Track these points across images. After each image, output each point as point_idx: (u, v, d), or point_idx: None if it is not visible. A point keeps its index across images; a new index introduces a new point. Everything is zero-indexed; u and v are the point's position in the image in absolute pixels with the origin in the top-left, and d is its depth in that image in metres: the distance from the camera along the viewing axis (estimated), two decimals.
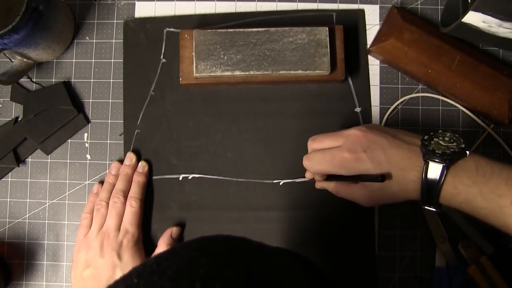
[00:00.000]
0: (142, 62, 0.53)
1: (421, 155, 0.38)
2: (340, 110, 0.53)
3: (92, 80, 0.54)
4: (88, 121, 0.54)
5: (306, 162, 0.44)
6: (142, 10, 0.54)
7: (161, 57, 0.53)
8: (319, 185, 0.48)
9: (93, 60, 0.54)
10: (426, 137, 0.39)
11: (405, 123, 0.53)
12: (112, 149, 0.53)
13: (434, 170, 0.37)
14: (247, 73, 0.48)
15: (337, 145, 0.41)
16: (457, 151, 0.37)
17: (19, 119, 0.54)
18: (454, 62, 0.49)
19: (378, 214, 0.52)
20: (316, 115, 0.52)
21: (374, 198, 0.41)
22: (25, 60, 0.50)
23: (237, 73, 0.48)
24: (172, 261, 0.24)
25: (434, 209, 0.38)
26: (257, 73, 0.48)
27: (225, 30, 0.48)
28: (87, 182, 0.53)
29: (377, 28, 0.53)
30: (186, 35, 0.50)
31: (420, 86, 0.53)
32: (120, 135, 0.53)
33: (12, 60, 0.51)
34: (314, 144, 0.44)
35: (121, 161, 0.52)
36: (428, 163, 0.37)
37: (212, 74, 0.48)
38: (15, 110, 0.54)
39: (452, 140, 0.39)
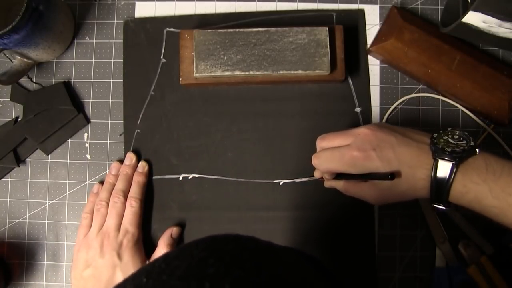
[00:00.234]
0: (142, 62, 0.53)
1: (431, 153, 0.38)
2: (340, 110, 0.53)
3: (92, 80, 0.54)
4: (88, 121, 0.54)
5: (315, 160, 0.44)
6: (142, 10, 0.54)
7: (161, 57, 0.53)
8: (328, 183, 0.48)
9: (93, 60, 0.54)
10: (435, 135, 0.39)
11: (405, 123, 0.53)
12: (112, 149, 0.53)
13: (444, 168, 0.37)
14: (247, 73, 0.48)
15: (346, 143, 0.41)
16: (467, 149, 0.37)
17: (19, 119, 0.54)
18: (454, 62, 0.49)
19: (378, 214, 0.52)
20: (316, 115, 0.52)
21: (384, 197, 0.41)
22: (25, 60, 0.50)
23: (237, 73, 0.48)
24: (181, 261, 0.24)
25: (443, 207, 0.38)
26: (257, 73, 0.48)
27: (225, 30, 0.48)
28: (87, 182, 0.53)
29: (377, 28, 0.53)
30: (186, 35, 0.50)
31: (420, 86, 0.53)
32: (120, 135, 0.53)
33: (12, 60, 0.51)
34: (323, 142, 0.44)
35: (121, 161, 0.52)
36: (437, 161, 0.37)
37: (212, 74, 0.48)
38: (15, 110, 0.54)
39: (461, 138, 0.39)
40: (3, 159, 0.52)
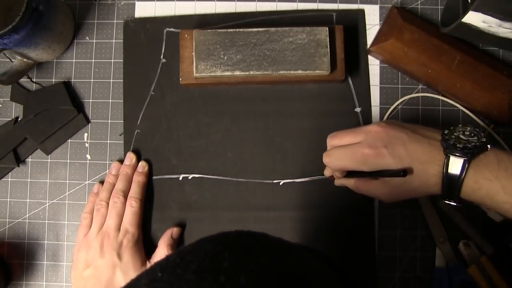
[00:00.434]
0: (142, 62, 0.53)
1: (442, 149, 0.38)
2: (340, 110, 0.53)
3: (92, 80, 0.54)
4: (88, 121, 0.54)
5: (326, 158, 0.43)
6: (142, 10, 0.54)
7: (161, 57, 0.53)
8: (339, 182, 0.47)
9: (93, 60, 0.54)
10: (446, 132, 0.39)
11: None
12: (112, 149, 0.53)
13: (455, 164, 0.37)
14: (247, 73, 0.48)
15: (357, 141, 0.41)
16: (478, 145, 0.37)
17: (19, 119, 0.54)
18: (454, 62, 0.49)
19: (378, 214, 0.52)
20: (316, 115, 0.52)
21: (395, 194, 0.41)
22: (25, 60, 0.50)
23: (237, 73, 0.48)
24: (195, 255, 0.24)
25: (455, 203, 0.38)
26: (257, 73, 0.48)
27: (225, 30, 0.48)
28: (87, 182, 0.53)
29: (377, 28, 0.53)
30: (186, 35, 0.50)
31: (420, 86, 0.53)
32: (120, 135, 0.53)
33: (12, 60, 0.51)
34: (334, 140, 0.44)
35: (121, 161, 0.52)
36: (449, 157, 0.37)
37: (212, 74, 0.48)
38: (15, 110, 0.54)
39: (472, 134, 0.39)
40: (3, 159, 0.52)
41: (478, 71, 0.49)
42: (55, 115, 0.53)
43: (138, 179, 0.51)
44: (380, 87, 0.53)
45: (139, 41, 0.54)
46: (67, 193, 0.53)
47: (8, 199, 0.53)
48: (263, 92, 0.53)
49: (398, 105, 0.53)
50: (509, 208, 0.36)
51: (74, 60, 0.54)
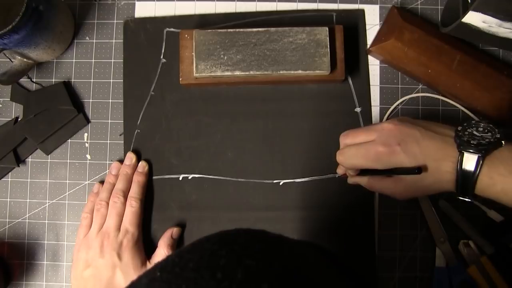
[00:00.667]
0: (142, 62, 0.53)
1: (456, 146, 0.38)
2: (340, 110, 0.53)
3: (92, 80, 0.54)
4: (88, 121, 0.54)
5: (340, 157, 0.43)
6: (142, 10, 0.54)
7: (161, 57, 0.53)
8: (352, 180, 0.47)
9: (93, 60, 0.54)
10: (459, 128, 0.39)
11: None
12: (112, 149, 0.53)
13: (470, 160, 0.37)
14: (247, 73, 0.48)
15: (371, 139, 0.41)
16: (493, 141, 0.37)
17: (19, 119, 0.54)
18: (454, 62, 0.49)
19: (378, 214, 0.52)
20: (316, 115, 0.52)
21: (409, 191, 0.41)
22: (25, 60, 0.50)
23: (237, 73, 0.48)
24: (194, 254, 0.24)
25: (469, 200, 0.38)
26: (257, 73, 0.48)
27: (225, 30, 0.48)
28: (87, 182, 0.53)
29: (377, 28, 0.53)
30: (186, 35, 0.50)
31: (420, 86, 0.53)
32: (120, 135, 0.53)
33: (12, 60, 0.51)
34: (347, 139, 0.44)
35: (121, 161, 0.52)
36: (463, 153, 0.37)
37: (212, 74, 0.48)
38: (15, 110, 0.54)
39: (486, 130, 0.39)
40: (3, 159, 0.52)
41: (478, 71, 0.49)
42: (55, 115, 0.53)
43: (138, 179, 0.51)
44: (380, 87, 0.53)
45: (139, 41, 0.54)
46: (67, 193, 0.53)
47: (8, 199, 0.53)
48: (263, 92, 0.53)
49: (398, 105, 0.53)
50: None
51: (74, 60, 0.54)
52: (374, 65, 0.53)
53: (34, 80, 0.54)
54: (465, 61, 0.49)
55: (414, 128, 0.40)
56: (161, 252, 0.49)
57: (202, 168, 0.52)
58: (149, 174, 0.52)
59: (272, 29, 0.48)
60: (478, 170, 0.36)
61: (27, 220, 0.53)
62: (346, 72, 0.50)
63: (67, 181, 0.53)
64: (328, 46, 0.48)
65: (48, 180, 0.53)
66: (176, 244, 0.51)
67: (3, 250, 0.52)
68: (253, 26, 0.48)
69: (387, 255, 0.51)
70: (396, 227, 0.52)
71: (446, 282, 0.49)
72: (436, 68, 0.50)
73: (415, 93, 0.53)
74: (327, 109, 0.53)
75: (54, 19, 0.48)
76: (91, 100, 0.54)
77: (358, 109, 0.53)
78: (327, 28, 0.48)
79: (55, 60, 0.54)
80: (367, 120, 0.52)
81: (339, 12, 0.54)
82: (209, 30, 0.48)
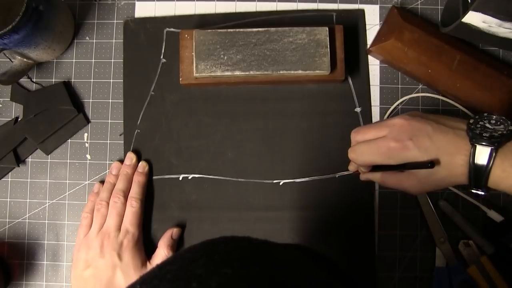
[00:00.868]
0: (142, 62, 0.53)
1: (468, 139, 0.38)
2: (340, 110, 0.53)
3: (92, 80, 0.54)
4: (88, 121, 0.54)
5: (352, 154, 0.43)
6: (142, 10, 0.54)
7: (161, 57, 0.53)
8: (364, 176, 0.47)
9: (93, 60, 0.54)
10: (471, 121, 0.39)
11: None
12: (112, 149, 0.53)
13: (482, 153, 0.36)
14: (247, 73, 0.48)
15: (382, 135, 0.41)
16: (505, 133, 0.37)
17: (19, 119, 0.54)
18: (454, 62, 0.49)
19: (378, 214, 0.52)
20: (316, 115, 0.52)
21: (422, 185, 0.41)
22: (25, 60, 0.50)
23: (237, 73, 0.48)
24: (173, 265, 0.24)
25: (482, 193, 0.38)
26: (257, 73, 0.48)
27: (225, 30, 0.48)
28: (87, 182, 0.53)
29: (377, 28, 0.53)
30: (186, 35, 0.50)
31: (420, 86, 0.53)
32: (120, 135, 0.53)
33: (12, 60, 0.51)
34: (358, 136, 0.44)
35: (121, 161, 0.52)
36: (475, 146, 0.37)
37: (212, 74, 0.48)
38: (15, 110, 0.54)
39: (499, 123, 0.39)
40: (3, 159, 0.52)
41: (478, 71, 0.49)
42: (55, 115, 0.53)
43: (138, 179, 0.51)
44: (380, 87, 0.53)
45: (139, 41, 0.54)
46: (67, 193, 0.53)
47: (8, 199, 0.53)
48: (263, 92, 0.53)
49: (398, 105, 0.53)
50: None
51: (74, 60, 0.54)
52: (374, 65, 0.53)
53: (34, 80, 0.54)
54: (465, 61, 0.49)
55: (425, 122, 0.40)
56: (161, 253, 0.49)
57: (202, 168, 0.52)
58: (149, 174, 0.52)
59: (272, 29, 0.48)
60: (491, 162, 0.36)
61: (27, 220, 0.53)
62: (346, 72, 0.50)
63: (67, 181, 0.53)
64: (328, 46, 0.48)
65: (48, 180, 0.53)
66: (176, 244, 0.51)
67: (3, 250, 0.52)
68: (253, 26, 0.48)
69: (387, 255, 0.51)
70: (396, 227, 0.52)
71: (446, 282, 0.49)
72: (436, 68, 0.50)
73: (415, 93, 0.53)
74: (327, 109, 0.53)
75: (54, 19, 0.48)
76: (91, 100, 0.54)
77: (358, 109, 0.53)
78: (327, 28, 0.48)
79: (55, 60, 0.54)
80: (367, 120, 0.52)
81: (339, 12, 0.54)
82: (209, 30, 0.48)
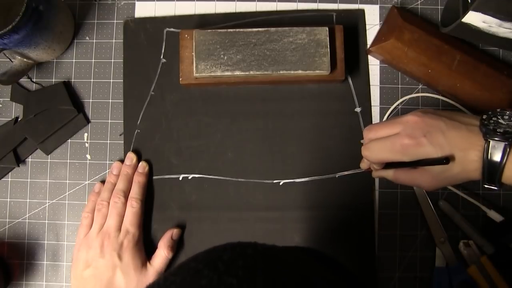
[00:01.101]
0: (142, 62, 0.53)
1: (481, 134, 0.38)
2: (340, 110, 0.53)
3: (92, 80, 0.54)
4: (88, 121, 0.54)
5: (366, 152, 0.43)
6: (142, 10, 0.54)
7: (161, 57, 0.53)
8: (377, 174, 0.47)
9: (93, 60, 0.54)
10: (484, 117, 0.39)
11: None
12: (112, 149, 0.53)
13: (496, 149, 0.37)
14: (247, 73, 0.48)
15: (395, 132, 0.41)
16: None
17: (19, 119, 0.54)
18: (454, 62, 0.49)
19: (378, 214, 0.52)
20: (316, 115, 0.52)
21: (436, 182, 0.42)
22: (25, 60, 0.50)
23: (237, 73, 0.48)
24: (178, 275, 0.24)
25: (495, 188, 0.38)
26: (257, 73, 0.48)
27: (225, 30, 0.48)
28: (87, 182, 0.53)
29: (377, 28, 0.53)
30: (186, 35, 0.50)
31: (420, 86, 0.53)
32: (120, 135, 0.53)
33: (12, 60, 0.51)
34: (370, 133, 0.44)
35: (122, 161, 0.52)
36: (489, 142, 0.37)
37: (212, 74, 0.48)
38: (15, 110, 0.54)
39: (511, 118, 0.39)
40: (3, 159, 0.52)
41: (478, 71, 0.49)
42: (55, 115, 0.53)
43: (139, 180, 0.51)
44: (380, 87, 0.53)
45: (139, 41, 0.54)
46: (67, 193, 0.53)
47: (8, 199, 0.53)
48: (263, 92, 0.53)
49: (398, 105, 0.53)
50: None
51: (74, 60, 0.54)
52: (374, 65, 0.53)
53: (34, 80, 0.54)
54: (465, 61, 0.49)
55: (438, 119, 0.40)
56: (161, 253, 0.49)
57: (202, 168, 0.52)
58: (149, 174, 0.52)
59: (272, 29, 0.48)
60: (505, 158, 0.36)
61: (27, 220, 0.53)
62: (346, 72, 0.50)
63: (67, 181, 0.53)
64: (328, 46, 0.48)
65: (48, 180, 0.53)
66: (176, 245, 0.51)
67: (3, 250, 0.52)
68: (253, 26, 0.48)
69: (387, 255, 0.51)
70: (396, 227, 0.52)
71: (446, 282, 0.49)
72: (436, 68, 0.50)
73: (415, 93, 0.53)
74: (327, 109, 0.53)
75: (54, 19, 0.48)
76: (91, 100, 0.54)
77: (358, 109, 0.53)
78: (327, 28, 0.48)
79: (55, 60, 0.54)
80: (367, 120, 0.52)
81: (339, 12, 0.54)
82: (209, 30, 0.48)
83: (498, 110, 0.40)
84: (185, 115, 0.53)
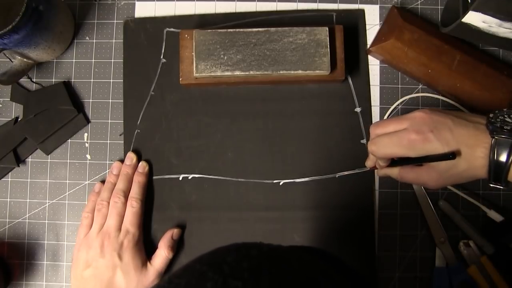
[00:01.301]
0: (142, 62, 0.53)
1: (488, 132, 0.38)
2: (340, 110, 0.53)
3: (92, 80, 0.54)
4: (88, 121, 0.54)
5: (373, 147, 0.43)
6: (142, 10, 0.54)
7: (161, 57, 0.53)
8: (382, 172, 0.47)
9: (93, 60, 0.54)
10: (491, 115, 0.39)
11: None
12: (112, 149, 0.53)
13: (503, 146, 0.37)
14: (247, 73, 0.48)
15: (402, 127, 0.41)
16: None
17: (19, 119, 0.54)
18: (454, 62, 0.49)
19: (378, 214, 0.52)
20: (316, 115, 0.52)
21: (442, 179, 0.42)
22: (25, 60, 0.50)
23: (237, 73, 0.48)
24: (183, 278, 0.24)
25: (501, 186, 0.38)
26: (257, 73, 0.48)
27: (225, 30, 0.48)
28: (87, 182, 0.53)
29: (377, 28, 0.53)
30: (186, 35, 0.50)
31: (420, 86, 0.53)
32: (120, 135, 0.53)
33: (12, 60, 0.51)
34: (377, 129, 0.44)
35: (122, 161, 0.52)
36: (496, 139, 0.37)
37: (212, 74, 0.48)
38: (15, 110, 0.54)
39: None
40: (3, 159, 0.52)
41: (478, 71, 0.49)
42: (55, 115, 0.53)
43: (139, 180, 0.51)
44: (380, 87, 0.53)
45: (139, 41, 0.54)
46: (67, 193, 0.53)
47: (8, 199, 0.53)
48: (263, 92, 0.53)
49: (398, 105, 0.53)
50: None
51: (74, 60, 0.54)
52: (374, 65, 0.53)
53: (34, 80, 0.54)
54: (465, 61, 0.49)
55: (446, 116, 0.40)
56: (161, 253, 0.49)
57: (202, 168, 0.52)
58: (149, 174, 0.52)
59: (272, 29, 0.48)
60: None
61: (27, 220, 0.53)
62: (346, 72, 0.50)
63: (67, 181, 0.53)
64: (328, 46, 0.48)
65: (48, 180, 0.53)
66: (177, 245, 0.51)
67: (3, 250, 0.52)
68: (253, 26, 0.48)
69: (387, 255, 0.51)
70: (396, 227, 0.52)
71: (446, 282, 0.49)
72: (436, 68, 0.50)
73: (415, 93, 0.53)
74: (327, 109, 0.53)
75: (54, 19, 0.48)
76: (91, 100, 0.54)
77: (358, 109, 0.53)
78: (327, 28, 0.48)
79: (55, 60, 0.54)
80: (367, 120, 0.52)
81: (339, 12, 0.54)
82: (209, 30, 0.48)
83: (505, 109, 0.40)
84: (185, 115, 0.53)
